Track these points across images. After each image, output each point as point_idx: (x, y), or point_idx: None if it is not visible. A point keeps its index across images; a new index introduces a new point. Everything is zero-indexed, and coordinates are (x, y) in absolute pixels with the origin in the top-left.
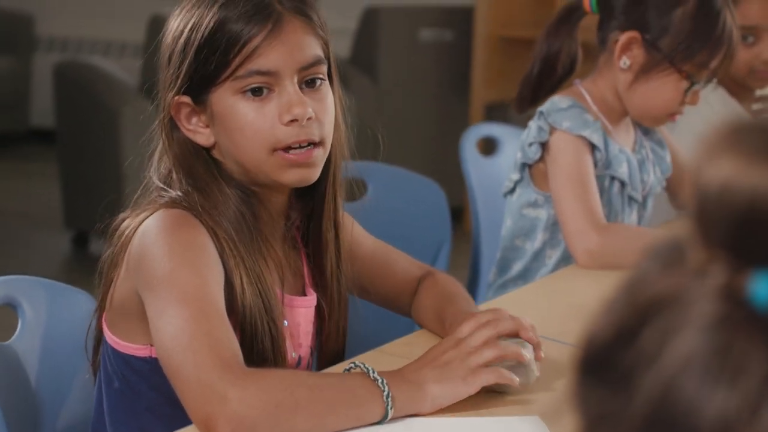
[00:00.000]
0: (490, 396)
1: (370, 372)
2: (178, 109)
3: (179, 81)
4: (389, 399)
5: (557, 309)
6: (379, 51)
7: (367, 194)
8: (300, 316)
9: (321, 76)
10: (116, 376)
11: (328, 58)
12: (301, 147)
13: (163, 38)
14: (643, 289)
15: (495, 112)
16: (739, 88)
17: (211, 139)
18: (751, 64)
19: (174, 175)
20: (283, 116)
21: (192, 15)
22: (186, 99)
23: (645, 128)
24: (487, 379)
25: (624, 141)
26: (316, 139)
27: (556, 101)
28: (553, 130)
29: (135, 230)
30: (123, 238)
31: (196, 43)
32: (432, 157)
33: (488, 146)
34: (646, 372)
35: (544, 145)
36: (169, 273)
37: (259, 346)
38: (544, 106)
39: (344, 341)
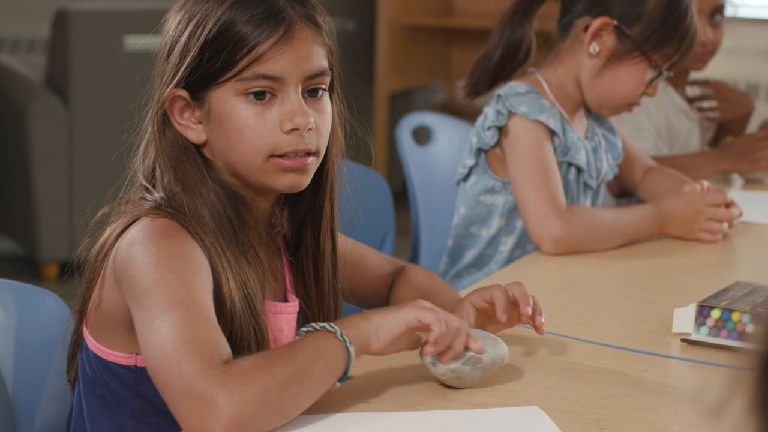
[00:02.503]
0: (485, 389)
1: (316, 325)
2: (172, 103)
3: (179, 75)
4: (344, 336)
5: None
6: None
7: None
8: (282, 322)
9: (324, 86)
10: (98, 383)
11: (331, 67)
12: (297, 155)
13: (162, 31)
14: None
15: (399, 101)
16: (676, 74)
17: (203, 136)
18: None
19: (158, 173)
20: (284, 124)
21: (198, 10)
22: (183, 93)
23: (596, 115)
24: (424, 303)
25: (578, 130)
26: (313, 149)
27: (514, 86)
28: (511, 114)
29: (117, 237)
30: (104, 242)
31: (201, 38)
32: None
33: (421, 135)
34: None
35: (500, 130)
36: (155, 283)
37: (245, 352)
38: (502, 90)
39: None
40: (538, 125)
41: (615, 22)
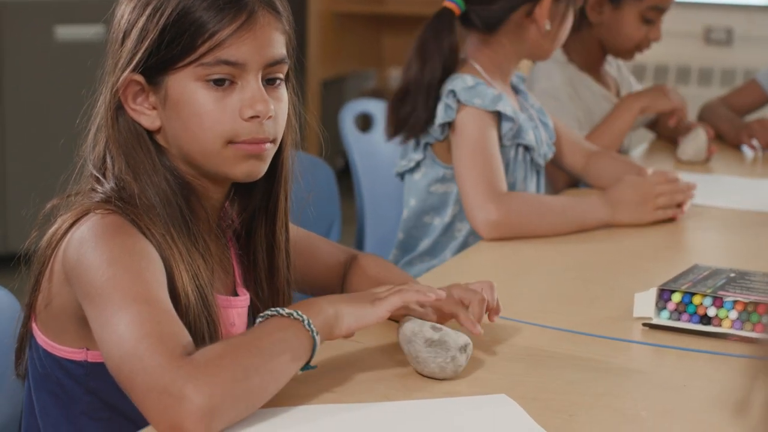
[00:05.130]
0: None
1: (281, 311)
2: (126, 88)
3: (136, 59)
4: (311, 326)
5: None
6: None
7: None
8: (234, 315)
9: (282, 75)
10: (49, 379)
11: (290, 55)
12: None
13: (114, 17)
14: None
15: (331, 88)
16: (592, 62)
17: (157, 122)
18: (640, 41)
19: (109, 161)
20: (244, 111)
21: None
22: (139, 78)
23: (524, 94)
24: (393, 302)
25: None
26: (271, 137)
27: (462, 79)
28: (461, 107)
29: (67, 230)
30: (53, 234)
31: (161, 22)
32: None
33: (364, 122)
34: None
35: (449, 123)
36: (107, 281)
37: (199, 344)
38: (454, 85)
39: None
40: (486, 115)
41: None
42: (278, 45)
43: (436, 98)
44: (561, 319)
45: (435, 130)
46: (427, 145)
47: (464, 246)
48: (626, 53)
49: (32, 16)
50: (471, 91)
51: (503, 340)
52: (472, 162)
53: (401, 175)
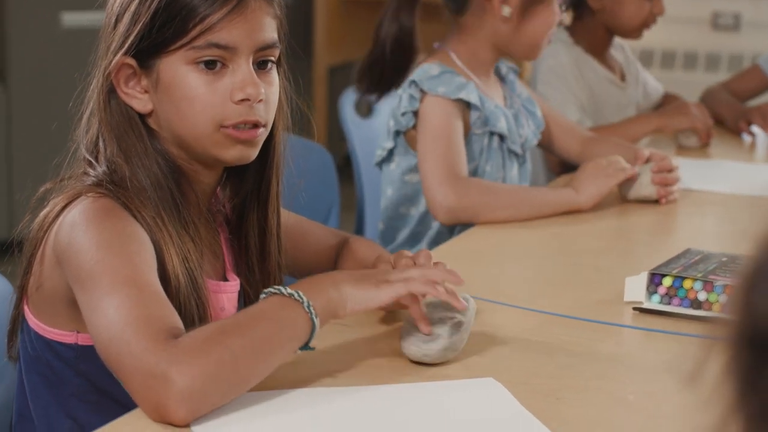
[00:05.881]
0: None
1: (283, 290)
2: (118, 72)
3: (129, 42)
4: (311, 308)
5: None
6: None
7: None
8: (224, 300)
9: (273, 59)
10: (40, 361)
11: (281, 40)
12: (246, 126)
13: (107, 2)
14: None
15: (338, 74)
16: (597, 47)
17: (149, 106)
18: (646, 18)
19: (101, 144)
20: (235, 94)
21: None
22: (131, 61)
23: (512, 84)
24: (398, 290)
25: (495, 96)
26: (262, 121)
27: (426, 69)
28: (424, 96)
29: (59, 213)
30: (45, 217)
31: (153, 6)
32: None
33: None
34: None
35: (416, 113)
36: (97, 264)
37: (188, 327)
38: (416, 75)
39: None
40: (449, 103)
41: None
42: (269, 29)
43: (391, 76)
44: (551, 303)
45: (403, 119)
46: (398, 133)
47: (440, 236)
48: (634, 32)
49: (38, 2)
50: (435, 80)
51: (492, 324)
52: (432, 147)
53: (379, 165)
